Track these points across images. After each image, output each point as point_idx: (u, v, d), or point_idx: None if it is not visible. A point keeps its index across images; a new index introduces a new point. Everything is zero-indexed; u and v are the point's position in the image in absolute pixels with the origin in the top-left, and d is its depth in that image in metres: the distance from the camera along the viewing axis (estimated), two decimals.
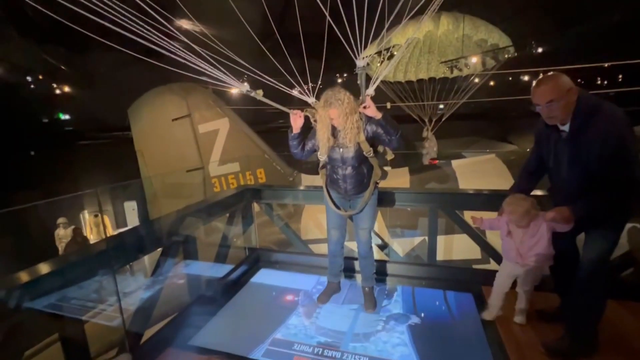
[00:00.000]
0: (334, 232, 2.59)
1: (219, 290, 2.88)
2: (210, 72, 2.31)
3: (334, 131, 2.31)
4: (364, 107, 2.16)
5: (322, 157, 2.41)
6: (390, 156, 2.52)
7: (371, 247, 2.59)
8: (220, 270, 3.16)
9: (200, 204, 3.20)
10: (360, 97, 2.38)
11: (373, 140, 2.33)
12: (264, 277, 3.25)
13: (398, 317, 2.51)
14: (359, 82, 2.41)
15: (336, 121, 2.22)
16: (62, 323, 1.90)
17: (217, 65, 2.34)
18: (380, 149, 2.47)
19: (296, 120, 2.29)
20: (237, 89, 2.47)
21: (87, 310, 2.36)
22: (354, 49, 2.30)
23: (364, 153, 2.31)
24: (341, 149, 2.31)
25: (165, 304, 2.59)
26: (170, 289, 2.78)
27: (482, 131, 16.39)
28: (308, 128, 2.42)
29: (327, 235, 2.64)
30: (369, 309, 2.57)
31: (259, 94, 2.46)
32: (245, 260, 3.37)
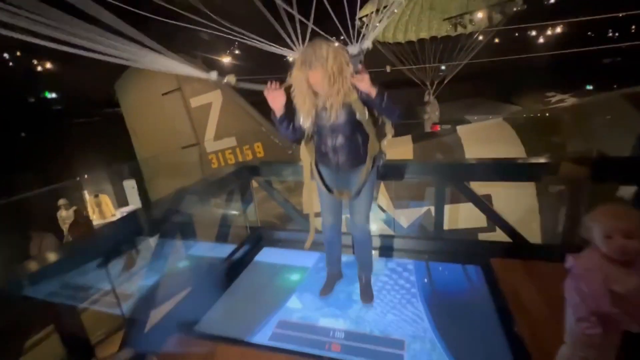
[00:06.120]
0: (327, 217, 2.25)
1: (222, 272, 2.82)
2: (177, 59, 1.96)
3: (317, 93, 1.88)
4: (357, 74, 1.71)
5: (306, 126, 1.95)
6: (390, 132, 2.13)
7: (369, 232, 2.29)
8: (222, 252, 3.10)
9: (195, 185, 3.07)
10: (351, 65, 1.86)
11: (368, 104, 1.87)
12: (267, 255, 3.19)
13: (405, 291, 2.46)
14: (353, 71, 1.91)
15: (318, 86, 1.80)
16: (57, 313, 1.85)
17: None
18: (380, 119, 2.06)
19: (275, 99, 1.83)
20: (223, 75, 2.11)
21: (86, 300, 2.32)
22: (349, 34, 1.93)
23: (357, 116, 1.86)
24: (329, 114, 1.88)
25: (167, 289, 2.54)
26: (172, 274, 2.72)
27: (484, 92, 15.85)
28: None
29: (321, 221, 2.33)
30: (366, 300, 2.32)
31: (231, 81, 2.10)
32: (247, 239, 3.30)
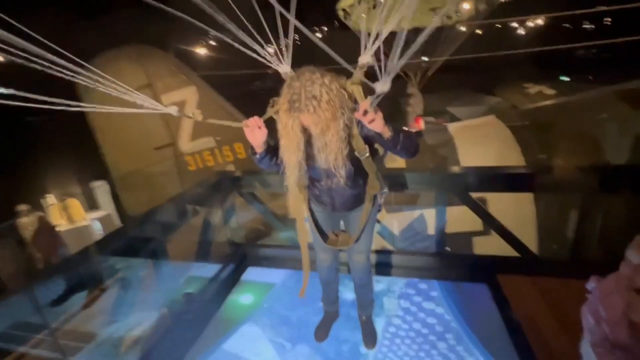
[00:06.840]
0: (323, 255, 2.00)
1: (201, 302, 2.48)
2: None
3: (309, 138, 1.50)
4: (365, 115, 1.22)
5: (293, 178, 1.58)
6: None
7: (370, 272, 2.06)
8: (203, 274, 2.76)
9: (169, 203, 2.70)
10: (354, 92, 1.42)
11: (369, 139, 1.50)
12: (252, 277, 2.87)
13: (407, 314, 2.24)
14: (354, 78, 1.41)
15: (312, 129, 1.43)
16: None
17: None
18: (380, 150, 1.67)
19: (254, 134, 1.47)
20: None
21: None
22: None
23: (356, 153, 1.50)
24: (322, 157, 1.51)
25: (135, 328, 2.19)
26: (141, 309, 2.38)
27: (466, 84, 15.90)
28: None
29: (316, 260, 2.04)
30: (369, 345, 2.06)
31: (196, 115, 1.62)
32: (230, 259, 2.95)
